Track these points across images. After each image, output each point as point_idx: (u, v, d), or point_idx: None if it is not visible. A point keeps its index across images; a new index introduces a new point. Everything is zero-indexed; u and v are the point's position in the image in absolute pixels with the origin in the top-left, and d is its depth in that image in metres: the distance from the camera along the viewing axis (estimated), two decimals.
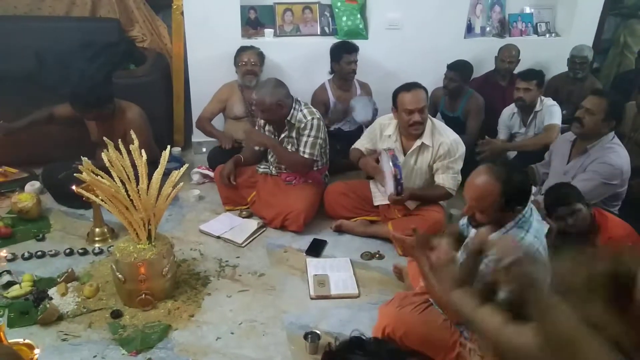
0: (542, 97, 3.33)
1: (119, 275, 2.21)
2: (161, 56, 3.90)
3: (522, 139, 3.40)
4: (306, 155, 2.91)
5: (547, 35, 4.30)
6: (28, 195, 2.92)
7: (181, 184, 2.33)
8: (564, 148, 2.77)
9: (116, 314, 2.22)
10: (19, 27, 3.60)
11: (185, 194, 3.18)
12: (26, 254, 2.59)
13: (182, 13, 3.50)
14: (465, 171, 2.55)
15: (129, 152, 2.20)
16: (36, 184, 3.16)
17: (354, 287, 2.47)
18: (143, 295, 2.23)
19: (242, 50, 3.44)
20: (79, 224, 2.92)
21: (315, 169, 3.05)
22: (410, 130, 2.67)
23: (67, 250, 2.64)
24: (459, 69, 3.54)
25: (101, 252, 2.67)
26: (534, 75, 3.26)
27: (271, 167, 3.11)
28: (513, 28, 4.24)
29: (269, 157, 3.13)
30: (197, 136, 3.80)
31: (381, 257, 2.74)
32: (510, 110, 3.45)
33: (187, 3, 3.44)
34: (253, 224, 2.95)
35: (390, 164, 2.55)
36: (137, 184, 2.18)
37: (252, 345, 2.13)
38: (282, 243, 2.84)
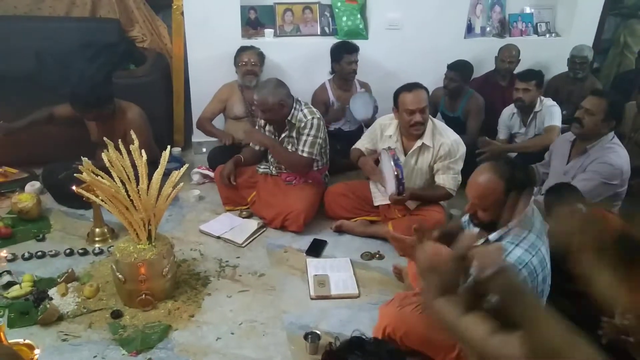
0: (542, 98, 3.33)
1: (119, 276, 2.21)
2: (161, 56, 3.90)
3: (522, 139, 3.40)
4: (305, 154, 2.91)
5: (547, 35, 4.30)
6: (28, 196, 2.92)
7: (181, 184, 2.33)
8: (564, 148, 2.77)
9: (116, 314, 2.22)
10: (19, 27, 3.60)
11: (185, 194, 3.18)
12: (26, 254, 2.59)
13: (182, 13, 3.50)
14: (465, 171, 2.55)
15: (129, 152, 2.20)
16: (36, 184, 3.16)
17: (354, 287, 2.47)
18: (143, 296, 2.23)
19: (242, 50, 3.44)
20: (79, 224, 2.92)
21: (315, 169, 3.05)
22: (412, 131, 2.67)
23: (67, 251, 2.64)
24: (459, 69, 3.54)
25: (101, 252, 2.67)
26: (533, 75, 3.26)
27: (271, 167, 3.11)
28: (513, 28, 4.24)
29: (269, 157, 3.13)
30: (197, 136, 3.80)
31: (381, 257, 2.74)
32: (510, 110, 3.45)
33: (187, 3, 3.44)
34: (253, 224, 2.95)
35: (392, 163, 2.55)
36: (137, 184, 2.18)
37: (252, 345, 2.13)
38: (282, 243, 2.84)
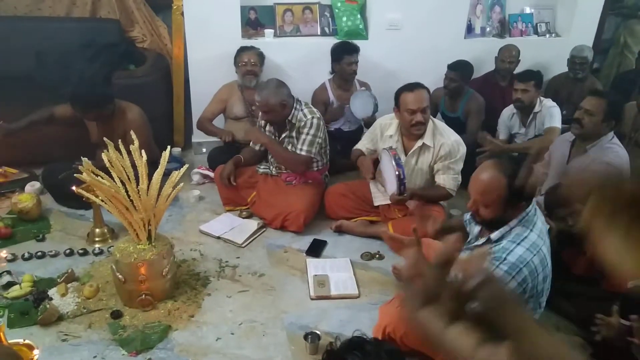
0: (542, 98, 3.32)
1: (119, 276, 2.21)
2: (161, 57, 3.90)
3: (521, 139, 3.40)
4: (303, 153, 2.91)
5: (547, 35, 4.30)
6: (28, 196, 2.92)
7: (181, 184, 2.32)
8: (564, 148, 2.77)
9: (116, 315, 2.22)
10: (19, 28, 3.60)
11: (185, 195, 3.18)
12: (26, 255, 2.59)
13: (182, 13, 3.50)
14: (465, 171, 2.55)
15: (129, 153, 2.20)
16: (36, 185, 3.16)
17: (354, 288, 2.47)
18: (143, 296, 2.22)
19: (242, 50, 3.44)
20: (79, 224, 2.92)
21: (315, 169, 3.05)
22: (413, 131, 2.67)
23: (67, 251, 2.64)
24: (460, 69, 3.54)
25: (101, 252, 2.67)
26: (532, 76, 3.25)
27: (271, 167, 3.11)
28: (513, 28, 4.24)
29: (269, 157, 3.13)
30: (197, 136, 3.80)
31: (381, 257, 2.74)
32: (510, 110, 3.44)
33: (187, 3, 3.44)
34: (253, 224, 2.95)
35: (393, 163, 2.55)
36: (137, 185, 2.18)
37: (252, 345, 2.13)
38: (282, 243, 2.84)
